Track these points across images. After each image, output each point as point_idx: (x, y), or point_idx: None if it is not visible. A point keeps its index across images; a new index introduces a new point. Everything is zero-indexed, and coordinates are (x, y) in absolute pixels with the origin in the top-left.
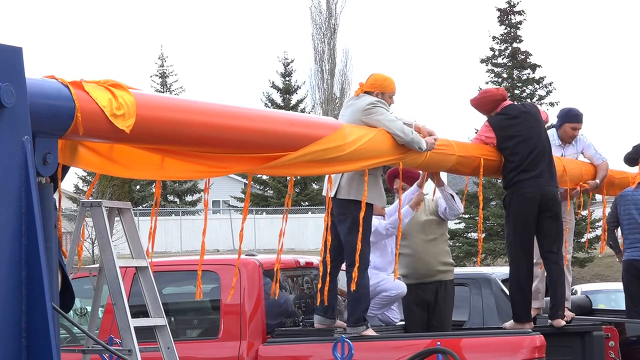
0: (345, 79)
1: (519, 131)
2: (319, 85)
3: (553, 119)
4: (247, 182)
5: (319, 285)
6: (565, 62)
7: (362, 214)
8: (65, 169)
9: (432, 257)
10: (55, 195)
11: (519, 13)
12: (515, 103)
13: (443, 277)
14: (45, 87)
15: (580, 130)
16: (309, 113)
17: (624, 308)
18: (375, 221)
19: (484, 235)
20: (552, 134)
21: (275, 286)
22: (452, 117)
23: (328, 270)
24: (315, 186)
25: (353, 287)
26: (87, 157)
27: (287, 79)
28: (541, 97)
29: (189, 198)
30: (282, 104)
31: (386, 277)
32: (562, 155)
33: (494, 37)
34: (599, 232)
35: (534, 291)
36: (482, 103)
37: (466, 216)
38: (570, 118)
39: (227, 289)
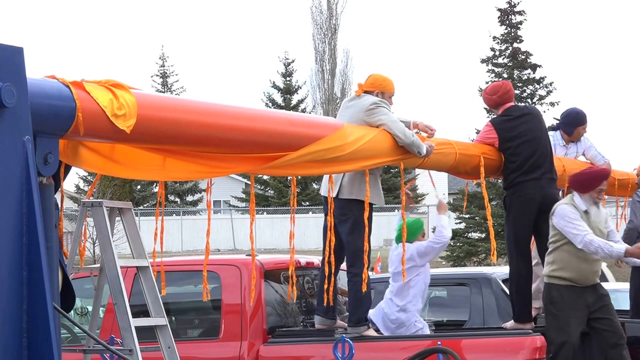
0: (345, 79)
1: (522, 132)
2: (320, 85)
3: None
4: (247, 182)
5: (325, 287)
6: (565, 62)
7: (366, 214)
8: (67, 169)
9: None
10: (57, 195)
11: (520, 13)
12: (518, 104)
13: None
14: (46, 87)
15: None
16: (310, 113)
17: (624, 308)
18: (410, 246)
19: (484, 235)
20: (554, 135)
21: (291, 289)
22: (452, 117)
23: (332, 270)
24: (315, 186)
25: (364, 289)
26: (89, 157)
27: (288, 79)
28: (541, 97)
29: (189, 198)
30: (283, 104)
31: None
32: (565, 154)
33: (494, 37)
34: None
35: (535, 291)
36: (499, 91)
37: (466, 216)
38: (580, 120)
39: (228, 288)
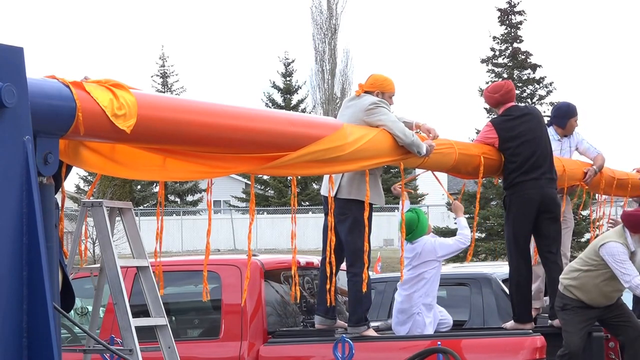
0: (345, 79)
1: (522, 132)
2: (320, 85)
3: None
4: (247, 182)
5: (327, 287)
6: (565, 62)
7: (366, 214)
8: (68, 169)
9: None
10: (58, 195)
11: (520, 13)
12: (519, 104)
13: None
14: (46, 87)
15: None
16: (310, 113)
17: None
18: (430, 239)
19: (483, 235)
20: (549, 132)
21: (294, 289)
22: (452, 117)
23: (334, 270)
24: (315, 186)
25: (364, 288)
26: (89, 157)
27: (288, 79)
28: (541, 97)
29: (189, 198)
30: (283, 104)
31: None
32: (560, 149)
33: (494, 37)
34: (598, 232)
35: (536, 291)
36: (501, 90)
37: (466, 216)
38: (572, 112)
39: (228, 288)
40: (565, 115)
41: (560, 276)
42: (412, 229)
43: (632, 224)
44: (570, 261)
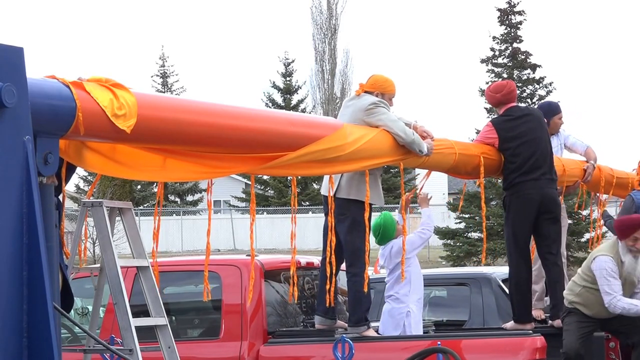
0: (345, 79)
1: (522, 133)
2: (320, 85)
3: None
4: (247, 182)
5: (327, 287)
6: (565, 62)
7: (366, 214)
8: (71, 170)
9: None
10: (59, 196)
11: (519, 13)
12: (520, 105)
13: None
14: (46, 87)
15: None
16: (310, 113)
17: None
18: (397, 241)
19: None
20: None
21: (292, 290)
22: (452, 117)
23: (334, 271)
24: (315, 186)
25: (365, 288)
26: (90, 157)
27: (288, 79)
28: (541, 97)
29: (189, 198)
30: (283, 104)
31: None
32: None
33: (494, 37)
34: (598, 231)
35: (541, 292)
36: (503, 90)
37: (466, 216)
38: (554, 110)
39: (228, 288)
40: (548, 114)
41: (564, 292)
42: (378, 234)
43: (617, 230)
44: (567, 260)
